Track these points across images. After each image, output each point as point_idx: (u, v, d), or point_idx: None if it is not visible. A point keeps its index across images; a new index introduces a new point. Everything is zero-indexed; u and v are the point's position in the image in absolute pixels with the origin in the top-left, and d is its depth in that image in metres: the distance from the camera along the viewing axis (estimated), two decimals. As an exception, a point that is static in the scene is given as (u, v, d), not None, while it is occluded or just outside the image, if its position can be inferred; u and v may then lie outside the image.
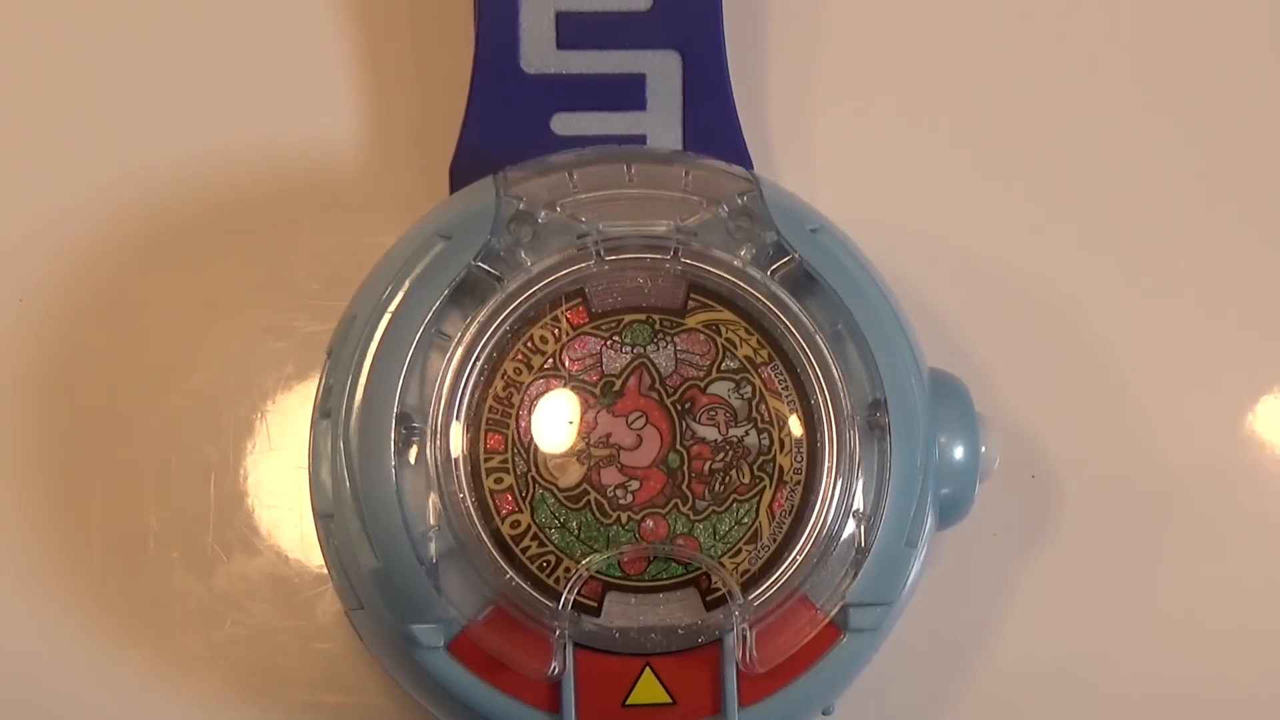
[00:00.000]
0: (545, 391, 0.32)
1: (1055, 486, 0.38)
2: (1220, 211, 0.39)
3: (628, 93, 0.36)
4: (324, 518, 0.32)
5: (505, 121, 0.35)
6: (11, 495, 0.36)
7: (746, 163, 0.35)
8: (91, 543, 0.36)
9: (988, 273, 0.38)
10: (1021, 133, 0.39)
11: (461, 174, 0.34)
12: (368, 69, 0.38)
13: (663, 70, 0.36)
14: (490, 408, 0.32)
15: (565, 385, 0.32)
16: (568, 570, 0.31)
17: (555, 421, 0.32)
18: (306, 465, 0.32)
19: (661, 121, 0.36)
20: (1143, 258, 0.39)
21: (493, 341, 0.32)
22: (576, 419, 0.32)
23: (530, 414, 0.32)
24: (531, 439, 0.32)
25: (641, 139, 0.36)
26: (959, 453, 0.33)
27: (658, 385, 0.32)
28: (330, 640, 0.36)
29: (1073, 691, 0.37)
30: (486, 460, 0.31)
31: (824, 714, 0.33)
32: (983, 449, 0.33)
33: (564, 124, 0.36)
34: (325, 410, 0.32)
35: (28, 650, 0.36)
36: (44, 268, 0.37)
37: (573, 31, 0.36)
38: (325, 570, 0.34)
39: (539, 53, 0.36)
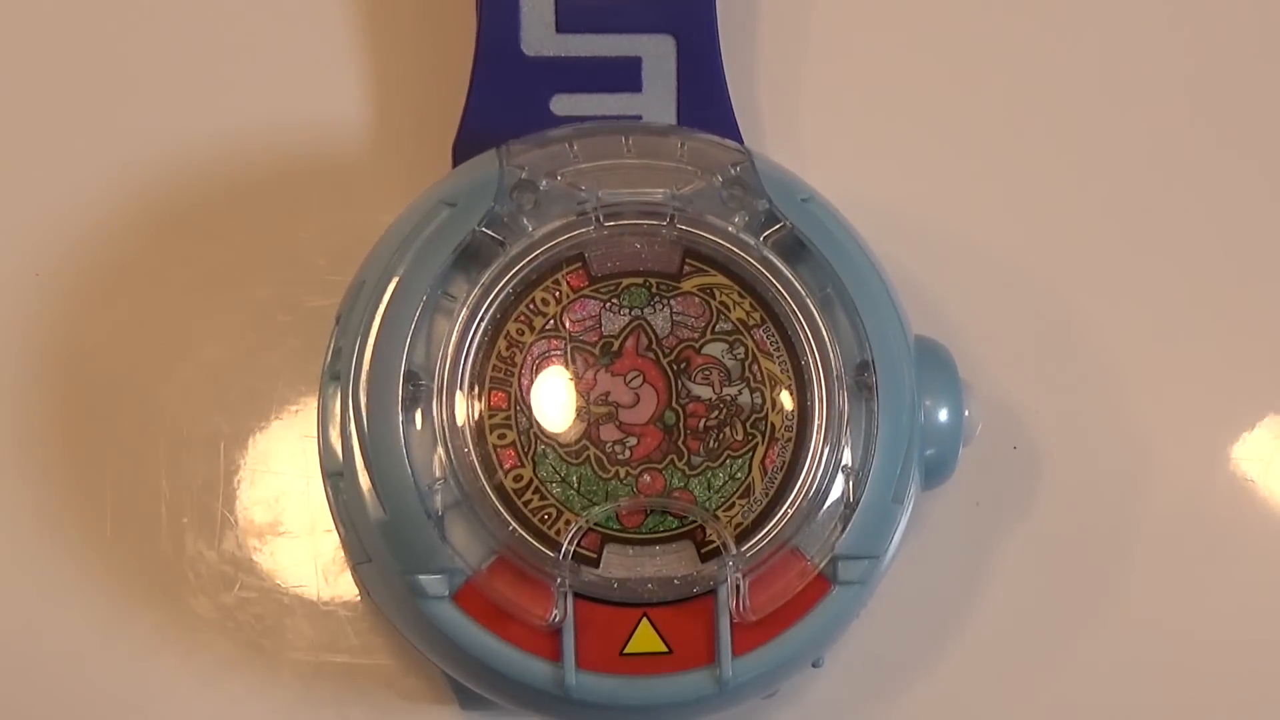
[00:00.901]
0: (547, 351, 0.33)
1: (1036, 458, 0.39)
2: (1205, 187, 0.40)
3: (624, 75, 0.37)
4: (333, 476, 0.32)
5: (506, 102, 0.36)
6: (30, 462, 0.37)
7: (738, 141, 0.36)
8: (105, 509, 0.37)
9: (971, 247, 0.39)
10: (1006, 114, 0.40)
11: (464, 153, 0.35)
12: (373, 53, 0.39)
13: (658, 53, 0.37)
14: (494, 367, 0.32)
15: (566, 345, 0.33)
16: (568, 522, 0.32)
17: (556, 380, 0.33)
18: (315, 428, 0.33)
19: (657, 102, 0.36)
20: (1126, 234, 0.40)
21: (496, 303, 0.32)
22: (577, 378, 0.33)
23: (532, 373, 0.32)
24: (533, 397, 0.32)
25: (638, 119, 0.36)
26: (943, 415, 0.34)
27: (654, 346, 0.33)
28: (336, 603, 0.37)
29: (1050, 654, 0.38)
30: (490, 417, 0.32)
31: (814, 666, 0.34)
32: (966, 413, 0.34)
33: (563, 105, 0.36)
34: (334, 373, 0.32)
35: (45, 612, 0.37)
36: (61, 244, 0.38)
37: (571, 16, 0.37)
38: (331, 534, 0.36)
39: (539, 36, 0.37)
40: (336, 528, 0.33)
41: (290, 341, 0.38)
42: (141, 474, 0.37)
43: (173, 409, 0.37)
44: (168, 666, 0.37)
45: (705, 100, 0.37)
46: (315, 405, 0.33)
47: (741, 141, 0.36)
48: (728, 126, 0.36)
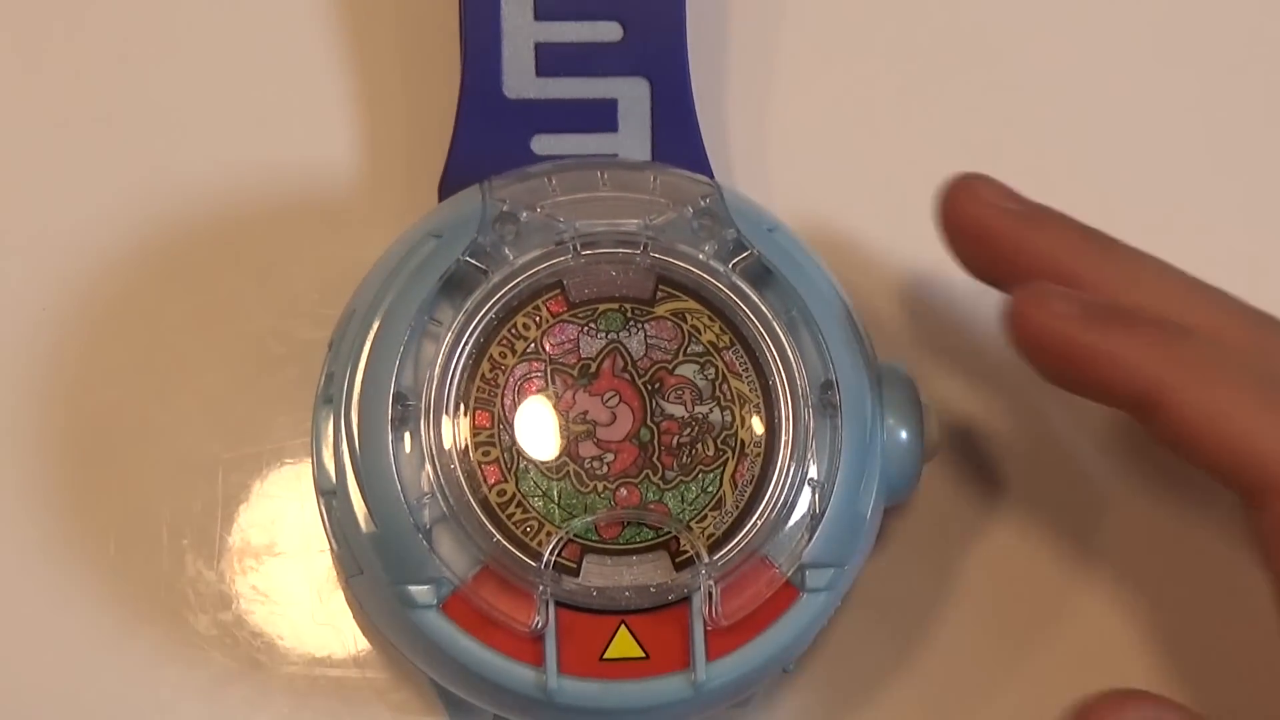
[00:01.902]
0: (528, 373, 0.34)
1: (995, 478, 0.40)
2: (1170, 214, 0.41)
3: (601, 116, 0.38)
4: (326, 494, 0.33)
5: (489, 142, 0.37)
6: (37, 487, 0.38)
7: (709, 176, 0.37)
8: (109, 531, 0.38)
9: (930, 275, 0.40)
10: (961, 148, 0.41)
11: (450, 190, 0.36)
12: (362, 96, 0.40)
13: (633, 95, 0.38)
14: (478, 388, 0.34)
15: (546, 367, 0.34)
16: (549, 534, 0.33)
17: (537, 400, 0.34)
18: (309, 453, 0.35)
19: (632, 142, 0.38)
20: None
21: (480, 328, 0.34)
22: (557, 398, 0.34)
23: (515, 393, 0.34)
24: (515, 416, 0.33)
25: (614, 157, 0.37)
26: (904, 434, 0.35)
27: (630, 367, 0.34)
28: (330, 619, 0.38)
29: (1010, 662, 0.39)
30: (475, 435, 0.33)
31: (785, 671, 0.35)
32: (926, 433, 0.35)
33: (543, 145, 0.37)
34: (327, 397, 0.34)
35: (52, 629, 0.37)
36: (66, 279, 0.39)
37: (551, 60, 0.38)
38: (324, 554, 0.37)
39: (520, 79, 0.38)
40: (329, 544, 0.35)
41: (285, 371, 0.38)
42: (143, 498, 0.38)
43: (173, 436, 0.38)
44: (169, 680, 0.37)
45: (678, 139, 0.38)
46: (308, 432, 0.34)
47: (712, 177, 0.37)
48: (699, 163, 0.37)
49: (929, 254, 0.38)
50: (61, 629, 0.37)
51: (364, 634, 0.38)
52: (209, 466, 0.38)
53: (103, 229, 0.39)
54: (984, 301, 0.39)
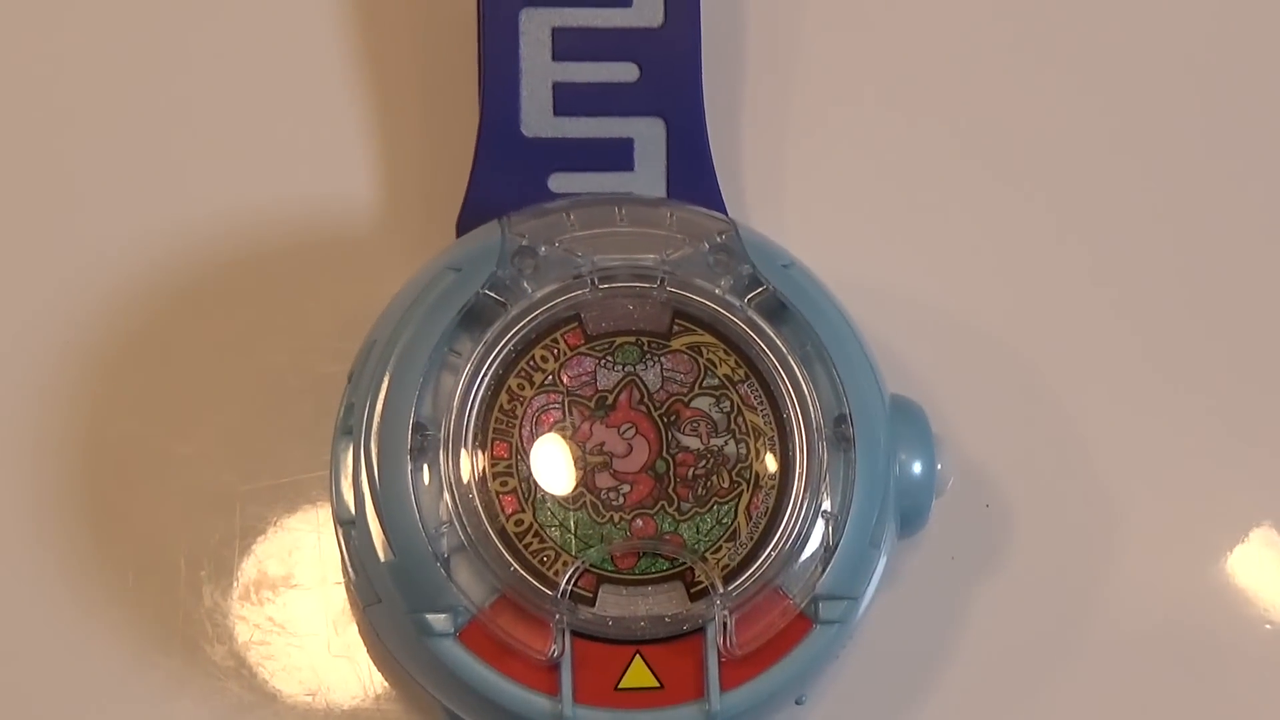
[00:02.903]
0: (545, 405, 0.34)
1: (1008, 516, 0.39)
2: (1175, 254, 0.41)
3: (617, 155, 0.38)
4: (345, 524, 0.33)
5: (507, 180, 0.37)
6: (56, 520, 0.38)
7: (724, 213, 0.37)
8: (128, 563, 0.38)
9: (943, 312, 0.40)
10: (977, 185, 0.41)
11: (467, 228, 0.36)
12: (381, 134, 0.40)
13: (649, 134, 0.38)
14: (497, 419, 0.34)
15: (564, 399, 0.34)
16: (565, 564, 0.33)
17: (554, 432, 0.34)
18: (326, 485, 0.35)
19: (648, 180, 0.38)
20: (1101, 297, 0.41)
21: (499, 360, 0.34)
22: (574, 429, 0.34)
23: (532, 425, 0.34)
24: (533, 447, 0.33)
25: (631, 195, 0.37)
26: (917, 467, 0.35)
27: (646, 400, 0.34)
28: (345, 650, 0.38)
29: (1018, 701, 0.39)
30: (493, 466, 0.33)
31: (797, 703, 0.35)
32: (939, 465, 0.35)
33: (560, 183, 0.38)
34: (346, 427, 0.34)
35: (69, 659, 0.37)
36: (87, 312, 0.39)
37: (568, 100, 0.38)
38: (340, 586, 0.37)
39: (538, 119, 0.38)
40: (346, 574, 0.35)
41: (301, 406, 0.38)
42: (162, 529, 0.38)
43: (191, 469, 0.38)
44: (186, 711, 0.37)
45: (693, 178, 0.38)
46: (325, 465, 0.34)
47: (726, 214, 0.37)
48: (714, 202, 0.37)
49: (941, 288, 0.40)
50: (79, 658, 0.37)
51: (378, 666, 0.38)
52: (227, 499, 0.38)
53: (121, 265, 0.39)
54: (995, 335, 0.40)
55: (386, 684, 0.38)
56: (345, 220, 0.39)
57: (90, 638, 0.37)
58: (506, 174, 0.37)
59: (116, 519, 0.38)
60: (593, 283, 0.34)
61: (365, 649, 0.38)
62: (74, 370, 0.38)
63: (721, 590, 0.33)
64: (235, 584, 0.38)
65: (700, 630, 0.33)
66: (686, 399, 0.34)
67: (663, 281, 0.34)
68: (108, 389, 0.38)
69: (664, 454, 0.34)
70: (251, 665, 0.37)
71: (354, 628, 0.38)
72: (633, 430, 0.34)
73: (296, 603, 0.38)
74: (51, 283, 0.39)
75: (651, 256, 0.34)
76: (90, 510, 0.38)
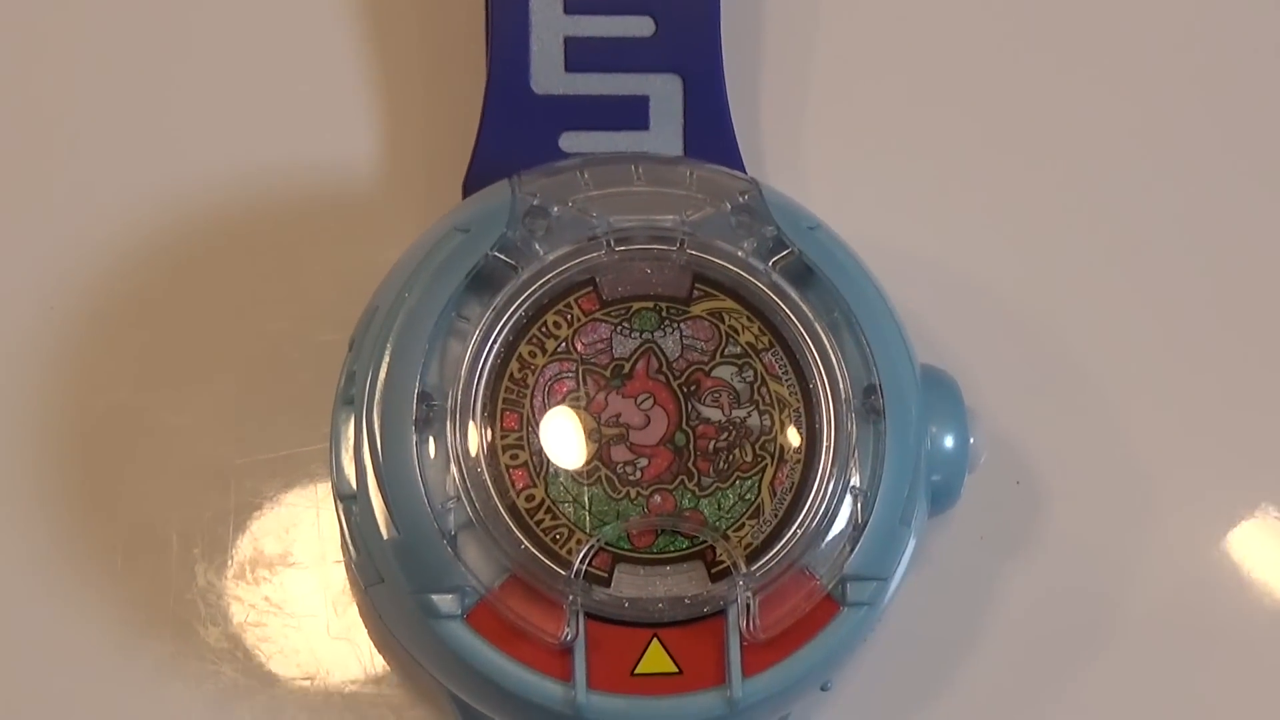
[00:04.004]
0: (558, 373, 0.33)
1: (1038, 494, 0.39)
2: (1216, 220, 0.40)
3: (632, 113, 0.37)
4: (345, 499, 0.32)
5: (516, 139, 0.36)
6: (43, 494, 0.37)
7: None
8: (117, 540, 0.37)
9: (973, 280, 0.39)
10: (1009, 147, 0.40)
11: (474, 189, 0.35)
12: (384, 91, 0.39)
13: (665, 92, 0.37)
14: (506, 389, 0.33)
15: (577, 368, 0.33)
16: (579, 542, 0.32)
17: (568, 402, 0.33)
18: (326, 459, 0.34)
19: (663, 140, 0.37)
20: (1134, 268, 0.40)
21: (509, 326, 0.33)
22: (588, 399, 0.33)
23: (544, 395, 0.33)
24: (545, 418, 0.33)
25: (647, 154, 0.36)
26: (949, 442, 0.34)
27: (665, 369, 0.33)
28: (345, 632, 0.37)
29: (1051, 682, 0.38)
30: (503, 438, 0.32)
31: (823, 689, 0.34)
32: (971, 439, 0.34)
33: (571, 142, 0.37)
34: (348, 397, 0.33)
35: (58, 639, 0.36)
36: (75, 277, 0.38)
37: (580, 55, 0.37)
38: (340, 564, 0.36)
39: (548, 75, 0.37)
40: (347, 552, 0.34)
41: (301, 375, 0.38)
42: (152, 505, 0.37)
43: (184, 441, 0.37)
44: (178, 694, 0.36)
45: (711, 138, 0.37)
46: (325, 437, 0.33)
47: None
48: (733, 164, 0.37)
49: (971, 253, 0.39)
50: (66, 640, 0.36)
51: (380, 649, 0.37)
52: (221, 472, 0.37)
53: (112, 225, 0.38)
54: (1029, 302, 0.39)
55: (389, 668, 0.37)
56: (346, 181, 0.39)
57: (77, 619, 0.36)
58: (515, 133, 0.36)
59: (105, 494, 0.37)
60: (608, 245, 0.33)
61: (366, 631, 0.37)
62: (60, 337, 0.38)
63: (744, 570, 0.32)
64: (230, 562, 0.37)
65: (721, 612, 0.32)
66: (707, 368, 0.33)
67: (682, 244, 0.33)
68: (96, 357, 0.38)
69: (683, 426, 0.33)
70: (247, 648, 0.37)
71: (354, 609, 0.37)
72: (650, 401, 0.33)
73: (294, 582, 0.37)
74: (39, 246, 0.38)
75: (671, 217, 0.33)
76: (77, 485, 0.37)
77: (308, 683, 0.37)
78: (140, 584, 0.37)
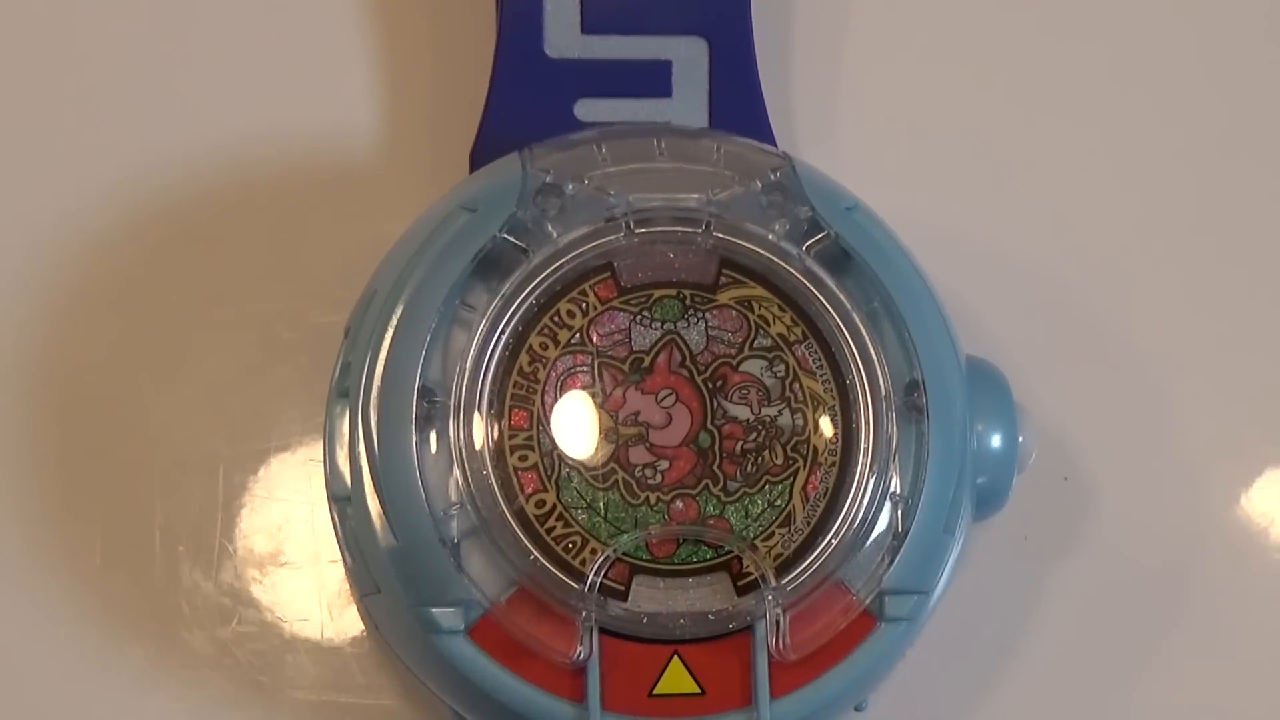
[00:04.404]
0: (572, 367, 0.31)
1: (1089, 491, 0.37)
2: (1272, 207, 0.39)
3: (653, 79, 0.36)
4: (340, 501, 0.31)
5: (528, 107, 0.35)
6: (15, 486, 0.36)
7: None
8: (95, 536, 0.36)
9: (1021, 266, 0.38)
10: (1065, 123, 0.39)
11: (482, 160, 0.34)
12: (386, 54, 0.38)
13: (689, 56, 0.36)
14: (515, 384, 0.31)
15: (593, 361, 0.32)
16: (594, 551, 0.31)
17: (582, 398, 0.32)
18: (321, 451, 0.32)
19: (687, 109, 0.35)
20: (1189, 256, 0.39)
21: (518, 316, 0.31)
22: (604, 396, 0.31)
23: (556, 390, 0.31)
24: (557, 416, 0.31)
25: (671, 126, 0.35)
26: (996, 441, 0.33)
27: (688, 362, 0.32)
28: (341, 639, 0.36)
29: (1103, 700, 0.37)
30: (511, 437, 0.31)
31: (857, 710, 0.33)
32: (1020, 438, 0.33)
33: (588, 110, 0.35)
34: (343, 390, 0.31)
35: (29, 646, 0.35)
36: (52, 255, 0.37)
37: (598, 16, 0.36)
38: (337, 564, 0.35)
39: (563, 37, 0.35)
40: (343, 557, 0.32)
41: (296, 359, 0.36)
42: (134, 499, 0.36)
43: (169, 430, 0.36)
44: (159, 705, 0.35)
45: (739, 107, 0.36)
46: (321, 427, 0.32)
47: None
48: (763, 134, 0.35)
49: (1022, 236, 0.37)
50: (38, 645, 0.35)
51: (379, 656, 0.36)
52: (208, 464, 0.36)
53: (95, 198, 0.37)
54: (1082, 291, 0.38)
55: (389, 678, 0.35)
56: (344, 151, 0.37)
57: (49, 622, 0.35)
58: (527, 100, 0.35)
59: (82, 487, 0.36)
60: (627, 226, 0.32)
61: (365, 637, 0.36)
62: (34, 317, 0.36)
63: (773, 583, 0.31)
64: (217, 561, 0.36)
65: (748, 629, 0.31)
66: (735, 362, 0.32)
67: (708, 225, 0.32)
68: (72, 339, 0.36)
69: (708, 425, 0.32)
70: (235, 654, 0.36)
71: (353, 611, 0.36)
72: (672, 397, 0.32)
73: (286, 583, 0.36)
74: (14, 221, 0.37)
75: (695, 196, 0.32)
76: (53, 476, 0.36)
77: (301, 692, 0.35)
78: (120, 584, 0.35)
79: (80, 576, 0.35)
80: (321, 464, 0.32)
